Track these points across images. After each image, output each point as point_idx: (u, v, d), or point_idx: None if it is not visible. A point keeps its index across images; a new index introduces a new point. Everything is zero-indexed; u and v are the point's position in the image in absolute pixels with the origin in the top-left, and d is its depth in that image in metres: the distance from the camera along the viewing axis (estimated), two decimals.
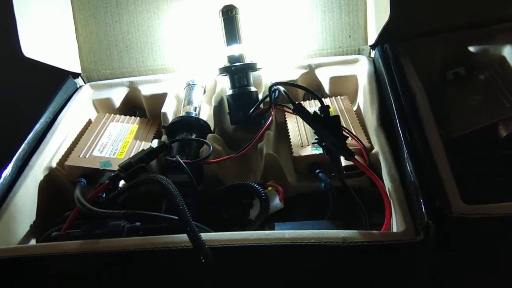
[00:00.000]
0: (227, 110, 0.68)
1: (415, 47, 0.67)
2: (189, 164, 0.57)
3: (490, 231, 0.43)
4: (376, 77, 0.65)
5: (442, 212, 0.43)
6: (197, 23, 0.75)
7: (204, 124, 0.65)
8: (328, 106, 0.52)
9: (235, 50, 0.68)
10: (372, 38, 0.70)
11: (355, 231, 0.43)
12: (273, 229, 0.49)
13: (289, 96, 0.55)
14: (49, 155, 0.62)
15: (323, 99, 0.69)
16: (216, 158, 0.59)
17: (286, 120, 0.66)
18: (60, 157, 0.63)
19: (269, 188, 0.54)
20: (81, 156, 0.61)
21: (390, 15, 0.59)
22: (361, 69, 0.69)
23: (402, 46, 0.67)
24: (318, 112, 0.52)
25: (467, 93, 0.62)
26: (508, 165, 0.54)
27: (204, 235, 0.43)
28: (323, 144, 0.51)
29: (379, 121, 0.57)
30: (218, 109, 0.68)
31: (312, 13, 0.73)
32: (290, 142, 0.61)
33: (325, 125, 0.50)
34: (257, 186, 0.52)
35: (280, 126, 0.67)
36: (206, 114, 0.72)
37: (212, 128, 0.67)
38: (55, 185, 0.60)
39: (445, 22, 0.67)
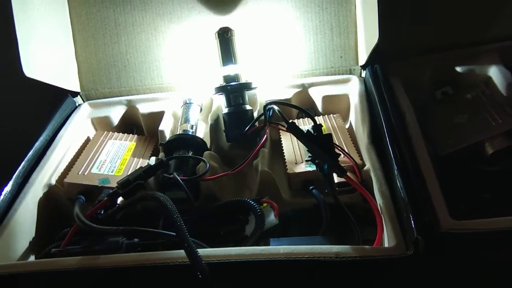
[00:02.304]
0: (223, 128, 0.70)
1: (405, 67, 0.69)
2: (186, 181, 0.58)
3: (477, 246, 0.45)
4: (367, 96, 0.67)
5: (431, 228, 0.44)
6: (193, 44, 0.77)
7: (201, 141, 0.67)
8: (320, 125, 0.54)
9: (230, 70, 0.70)
10: (362, 59, 0.72)
11: (348, 246, 0.44)
12: (268, 245, 0.50)
13: (283, 115, 0.56)
14: (49, 172, 0.63)
15: (316, 117, 0.71)
16: (213, 175, 0.60)
17: (281, 138, 0.68)
18: (59, 174, 0.64)
19: (264, 205, 0.55)
20: (80, 173, 0.63)
21: (379, 37, 0.61)
22: (352, 89, 0.71)
23: (392, 66, 0.69)
24: (311, 130, 0.53)
25: (454, 111, 0.64)
26: (495, 181, 0.56)
27: (201, 251, 0.44)
28: (316, 161, 0.52)
29: (370, 139, 0.59)
30: (214, 127, 0.69)
31: (305, 35, 0.75)
32: (285, 159, 0.63)
33: (318, 143, 0.52)
34: (252, 203, 0.54)
35: (274, 144, 0.69)
36: (202, 131, 0.74)
37: (208, 146, 0.69)
38: (54, 202, 0.61)
39: (433, 44, 0.70)
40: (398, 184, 0.49)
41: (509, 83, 0.63)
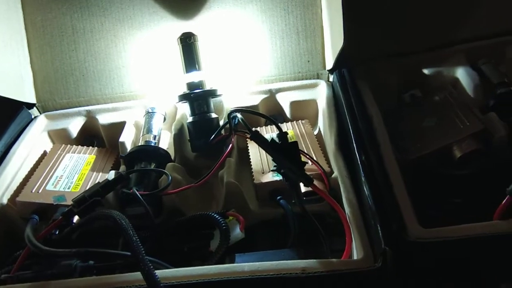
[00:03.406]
0: (188, 137, 0.67)
1: (372, 70, 0.68)
2: (147, 195, 0.55)
3: (447, 254, 0.44)
4: (335, 101, 0.66)
5: (399, 237, 0.43)
6: (156, 50, 0.75)
7: (164, 153, 0.64)
8: (286, 133, 0.52)
9: (194, 77, 0.68)
10: (330, 63, 0.71)
11: (315, 260, 0.42)
12: (234, 261, 0.48)
13: (246, 123, 0.54)
14: (0, 191, 0.59)
15: (284, 123, 0.69)
16: (176, 187, 0.58)
17: (248, 146, 0.65)
18: (12, 192, 0.60)
19: (230, 218, 0.53)
20: (33, 191, 0.59)
21: (344, 41, 0.60)
22: (320, 93, 0.69)
23: (360, 69, 0.68)
24: (276, 138, 0.51)
25: (423, 115, 0.63)
26: (464, 185, 0.55)
27: (160, 272, 0.41)
28: (282, 171, 0.50)
29: (337, 145, 0.58)
30: (178, 137, 0.67)
31: (271, 39, 0.73)
32: (252, 168, 0.60)
33: (283, 152, 0.50)
34: (217, 217, 0.51)
35: (242, 152, 0.66)
36: (167, 141, 0.71)
37: (172, 156, 0.66)
38: (7, 223, 0.57)
39: (399, 46, 0.69)
40: (366, 192, 0.47)
41: (476, 84, 0.63)
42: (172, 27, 0.73)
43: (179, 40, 0.68)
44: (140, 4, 0.73)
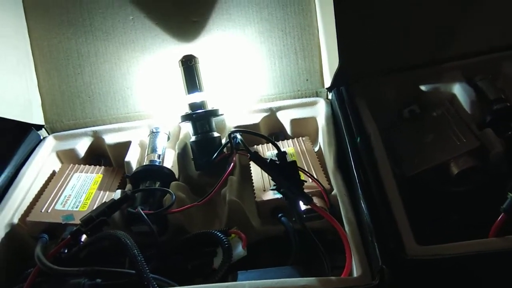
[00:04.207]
0: (191, 156, 0.69)
1: (370, 87, 0.69)
2: (152, 214, 0.57)
3: (445, 272, 0.44)
4: (334, 119, 0.67)
5: (397, 255, 0.44)
6: (159, 72, 0.77)
7: (168, 172, 0.65)
8: (284, 152, 0.54)
9: (196, 97, 0.70)
10: (328, 81, 0.72)
11: (314, 278, 0.44)
12: (236, 279, 0.49)
13: (245, 145, 0.56)
14: (11, 211, 0.61)
15: (285, 140, 0.70)
16: (180, 206, 0.59)
17: (250, 164, 0.67)
18: (22, 212, 0.62)
19: (232, 236, 0.54)
20: (43, 210, 0.61)
21: (339, 61, 0.62)
22: (319, 111, 0.71)
23: (358, 87, 0.69)
24: (275, 158, 0.53)
25: (421, 131, 0.64)
26: (462, 202, 0.55)
27: None
28: (281, 190, 0.52)
29: (336, 163, 0.59)
30: (182, 156, 0.68)
31: (270, 59, 0.75)
32: (253, 186, 0.62)
33: (282, 172, 0.52)
34: (219, 235, 0.53)
35: (244, 169, 0.68)
36: (171, 160, 0.73)
37: (176, 174, 0.67)
38: (17, 242, 0.59)
39: (396, 63, 0.70)
40: (363, 210, 0.48)
41: (472, 100, 0.64)
42: (174, 49, 0.75)
43: (180, 62, 0.70)
44: (142, 28, 0.75)
